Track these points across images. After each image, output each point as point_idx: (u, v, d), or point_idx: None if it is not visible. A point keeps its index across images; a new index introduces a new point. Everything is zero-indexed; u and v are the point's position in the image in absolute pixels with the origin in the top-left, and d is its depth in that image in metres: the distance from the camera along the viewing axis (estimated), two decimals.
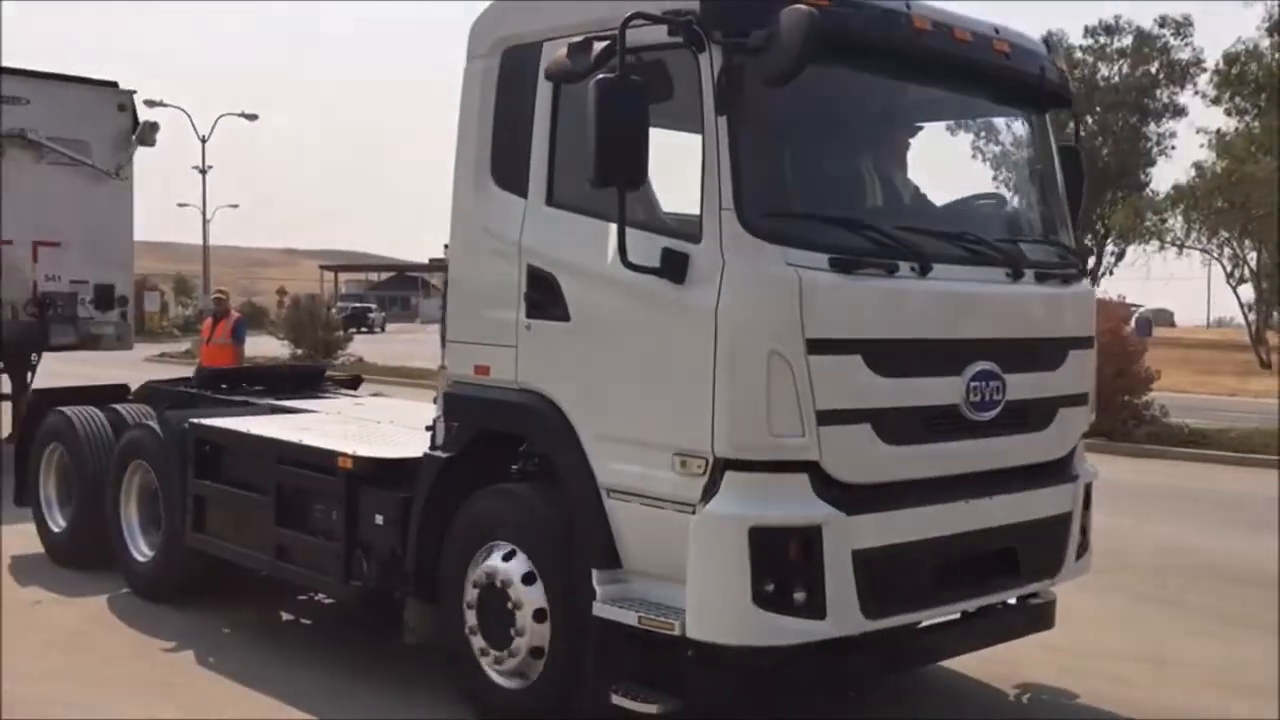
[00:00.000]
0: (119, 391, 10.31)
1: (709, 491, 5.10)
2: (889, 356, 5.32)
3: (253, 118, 50.38)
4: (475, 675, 6.07)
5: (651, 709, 5.30)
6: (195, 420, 8.27)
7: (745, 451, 5.06)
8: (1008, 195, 6.66)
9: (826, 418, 5.11)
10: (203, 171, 50.43)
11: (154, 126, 14.80)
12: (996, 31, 5.98)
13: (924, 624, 6.08)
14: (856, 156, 5.91)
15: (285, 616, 8.37)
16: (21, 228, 13.62)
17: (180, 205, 58.19)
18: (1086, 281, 6.61)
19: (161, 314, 54.30)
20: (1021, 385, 5.89)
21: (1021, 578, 6.16)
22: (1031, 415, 6.06)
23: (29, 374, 14.72)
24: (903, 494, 5.45)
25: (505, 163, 6.00)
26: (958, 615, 6.26)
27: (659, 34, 5.16)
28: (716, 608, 5.09)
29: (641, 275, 5.19)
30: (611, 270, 5.28)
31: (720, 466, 5.08)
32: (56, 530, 9.68)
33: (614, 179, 5.04)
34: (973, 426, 5.67)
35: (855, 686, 6.50)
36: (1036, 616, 6.64)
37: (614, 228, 5.30)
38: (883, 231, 5.43)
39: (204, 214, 51.54)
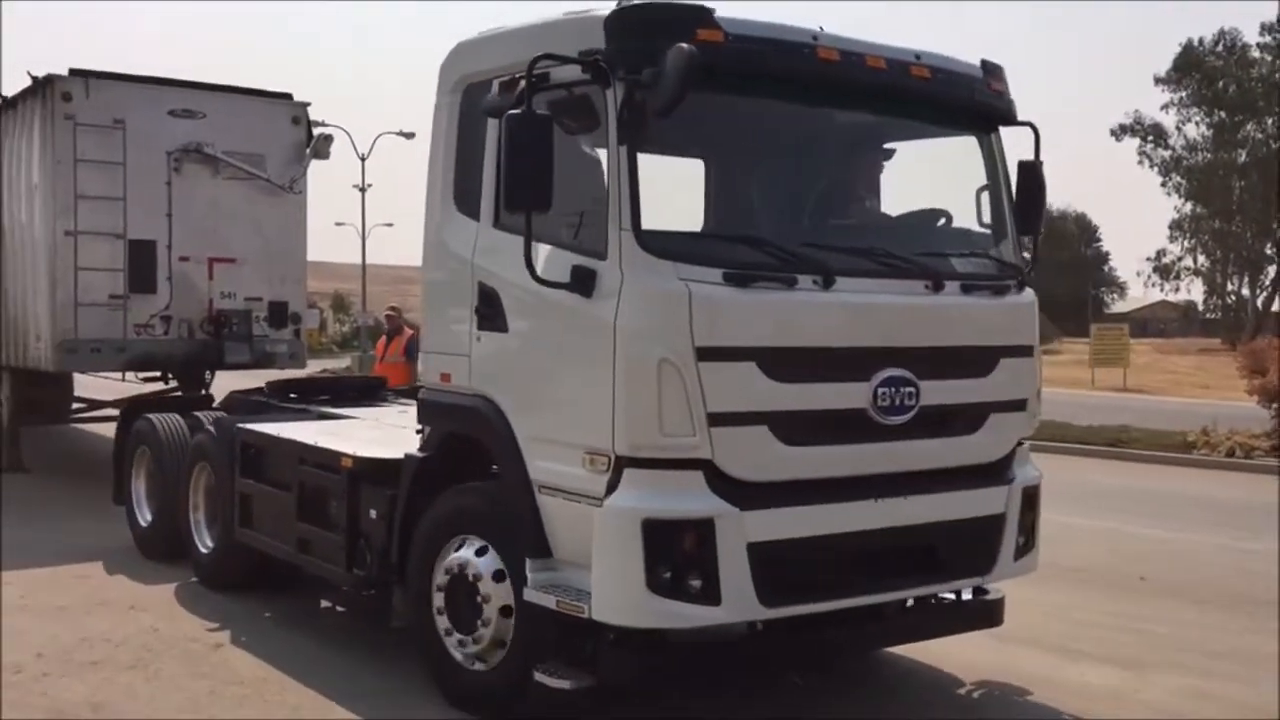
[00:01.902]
0: (204, 401, 11.31)
1: (612, 486, 5.61)
2: (786, 364, 5.74)
3: (410, 135, 50.44)
4: (443, 657, 6.66)
5: (564, 684, 5.83)
6: (241, 425, 9.11)
7: (640, 450, 5.56)
8: (946, 210, 6.92)
9: (718, 420, 5.56)
10: (362, 190, 50.63)
11: (328, 139, 14.48)
12: (918, 57, 6.34)
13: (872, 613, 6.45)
14: (768, 179, 6.33)
15: (324, 604, 9.11)
16: (197, 244, 13.62)
17: (338, 224, 59.93)
18: (1028, 292, 6.86)
19: (320, 331, 56.24)
20: (941, 391, 6.23)
21: (944, 575, 6.48)
22: (956, 420, 6.39)
23: (202, 391, 14.63)
24: (805, 491, 5.84)
25: (464, 189, 6.61)
26: (902, 607, 6.64)
27: (579, 72, 5.72)
28: (615, 593, 5.59)
29: (556, 290, 5.74)
30: (537, 286, 5.84)
31: (621, 464, 5.59)
32: (143, 525, 10.67)
33: (522, 203, 5.60)
34: (883, 429, 6.03)
35: (781, 672, 6.88)
36: (984, 613, 6.96)
37: (544, 248, 5.90)
38: (782, 248, 5.86)
39: (363, 233, 52.47)
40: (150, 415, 10.68)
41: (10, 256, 14.54)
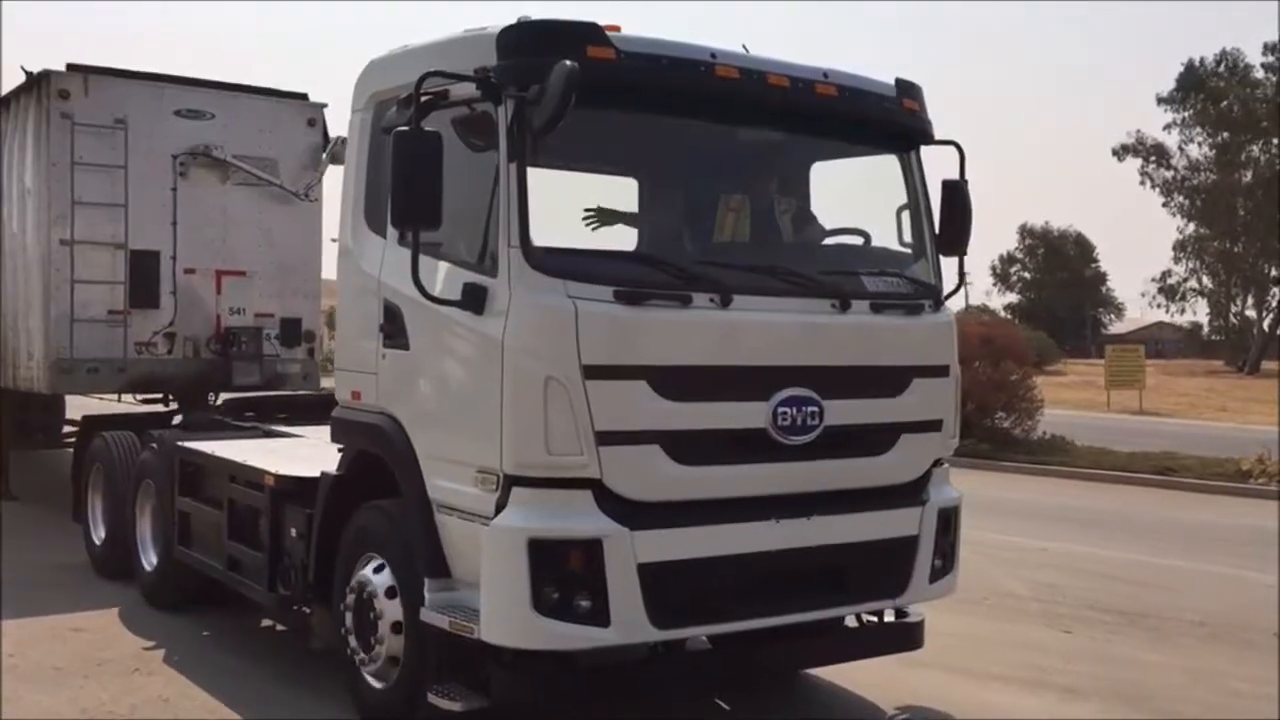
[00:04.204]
0: (162, 418, 11.28)
1: (500, 505, 5.57)
2: (679, 383, 5.68)
3: None
4: (353, 675, 6.62)
5: (455, 707, 5.77)
6: (179, 443, 9.11)
7: (526, 469, 5.52)
8: (860, 229, 6.87)
9: (607, 439, 5.51)
10: None
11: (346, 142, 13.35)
12: (825, 75, 6.29)
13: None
14: (668, 197, 6.29)
15: (264, 623, 9.05)
16: (204, 255, 12.48)
17: (333, 240, 59.29)
18: (945, 312, 6.80)
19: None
20: (847, 411, 6.16)
21: (852, 597, 6.39)
22: (864, 440, 6.32)
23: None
24: (700, 511, 5.78)
25: (373, 206, 6.60)
26: (818, 628, 6.55)
27: (474, 89, 5.70)
28: (502, 613, 5.54)
29: (450, 307, 5.71)
30: (434, 304, 5.81)
31: (509, 483, 5.55)
32: (97, 543, 10.65)
33: (409, 219, 5.59)
34: (785, 449, 5.97)
35: (685, 694, 6.80)
36: (903, 635, 6.89)
37: (442, 265, 5.89)
38: (678, 265, 5.83)
39: None
40: (105, 433, 10.69)
41: (0, 268, 13.64)
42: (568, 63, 5.30)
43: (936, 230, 6.86)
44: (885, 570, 6.43)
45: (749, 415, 5.89)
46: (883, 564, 6.41)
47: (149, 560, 9.60)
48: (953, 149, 6.92)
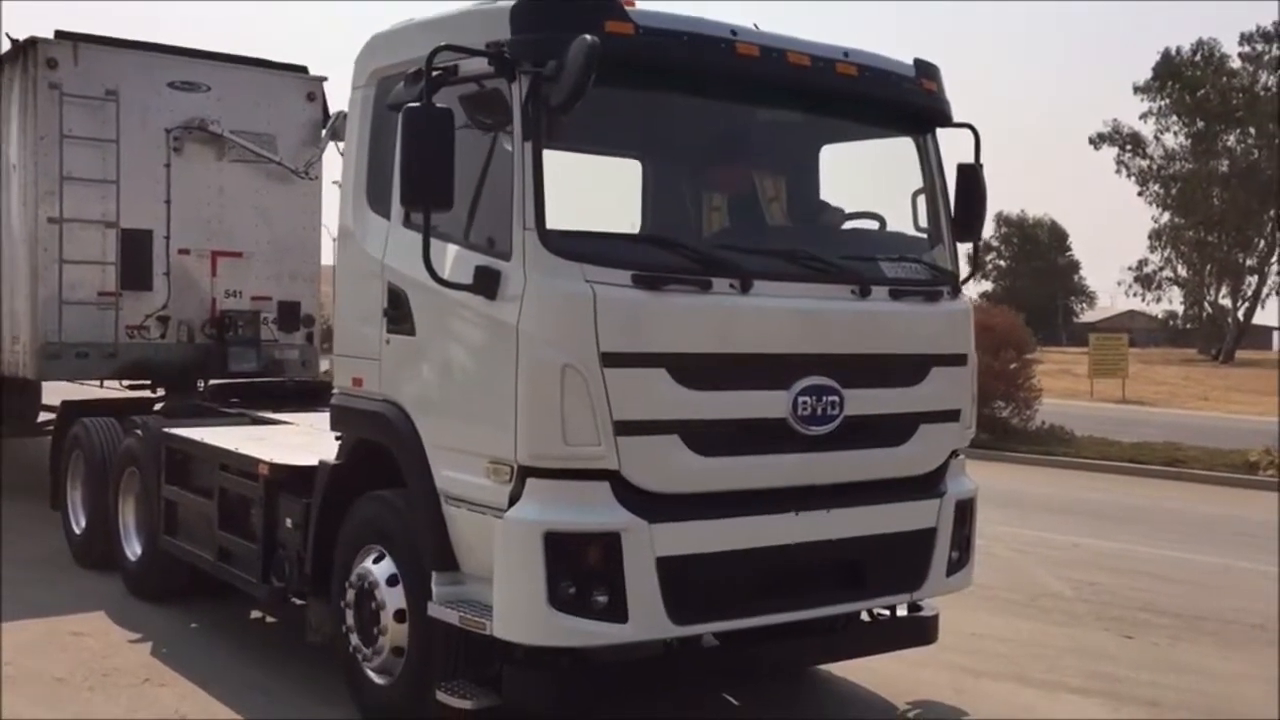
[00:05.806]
0: (144, 404, 10.99)
1: (514, 497, 5.37)
2: (699, 370, 5.49)
3: None
4: (354, 671, 6.42)
5: (466, 705, 5.58)
6: (166, 429, 8.85)
7: (542, 460, 5.32)
8: (876, 214, 6.69)
9: (626, 429, 5.32)
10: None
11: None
12: (845, 55, 6.11)
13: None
14: (685, 178, 6.10)
15: (254, 614, 8.81)
16: (199, 235, 11.90)
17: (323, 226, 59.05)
18: (963, 299, 6.64)
19: None
20: (867, 400, 6.00)
21: (870, 591, 6.23)
22: (883, 430, 6.15)
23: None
24: (719, 503, 5.60)
25: (376, 186, 6.37)
26: (832, 623, 6.40)
27: (486, 64, 5.48)
28: (516, 608, 5.34)
29: (460, 292, 5.50)
30: (441, 287, 5.59)
31: (524, 474, 5.35)
32: (78, 532, 10.36)
33: (420, 200, 5.36)
34: (804, 440, 5.80)
35: (699, 692, 6.64)
36: (918, 630, 6.74)
37: (451, 248, 5.67)
38: (697, 249, 5.63)
39: None
40: (85, 419, 10.40)
41: None
42: (588, 37, 5.09)
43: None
44: (903, 563, 6.29)
45: (769, 404, 5.71)
46: (901, 557, 6.26)
47: (133, 550, 9.35)
48: (967, 132, 6.77)
